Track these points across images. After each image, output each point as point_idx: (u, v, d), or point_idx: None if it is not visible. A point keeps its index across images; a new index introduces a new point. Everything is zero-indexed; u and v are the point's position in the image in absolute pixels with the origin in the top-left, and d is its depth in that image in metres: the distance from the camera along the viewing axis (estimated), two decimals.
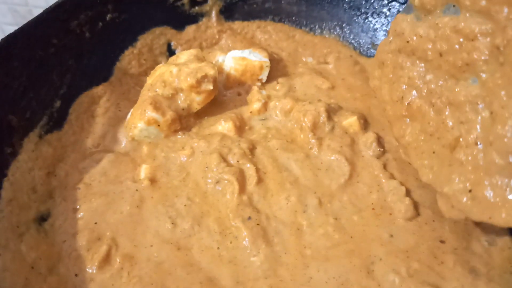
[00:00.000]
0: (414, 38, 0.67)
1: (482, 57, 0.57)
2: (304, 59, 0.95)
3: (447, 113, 0.62)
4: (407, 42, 0.68)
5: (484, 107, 0.56)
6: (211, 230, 0.65)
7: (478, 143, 0.56)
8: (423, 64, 0.67)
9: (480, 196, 0.53)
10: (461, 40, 0.60)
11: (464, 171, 0.57)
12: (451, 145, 0.61)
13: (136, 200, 0.69)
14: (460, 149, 0.59)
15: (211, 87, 0.79)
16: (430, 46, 0.64)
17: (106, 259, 0.62)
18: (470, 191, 0.55)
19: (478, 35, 0.58)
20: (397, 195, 0.68)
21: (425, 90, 0.66)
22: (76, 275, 0.61)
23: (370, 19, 0.94)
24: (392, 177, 0.71)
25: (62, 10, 0.81)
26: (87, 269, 0.61)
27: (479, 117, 0.57)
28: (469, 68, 0.59)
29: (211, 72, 0.79)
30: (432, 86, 0.65)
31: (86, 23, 0.85)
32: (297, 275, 0.60)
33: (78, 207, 0.69)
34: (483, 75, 0.57)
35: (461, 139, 0.59)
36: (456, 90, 0.61)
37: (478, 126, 0.57)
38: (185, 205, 0.68)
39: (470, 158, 0.57)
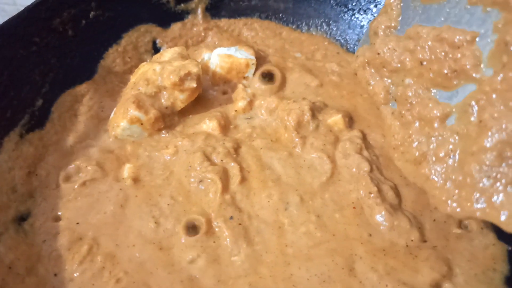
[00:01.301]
0: (385, 50, 0.68)
1: (473, 63, 0.57)
2: (292, 56, 0.94)
3: (416, 125, 0.63)
4: (378, 54, 0.69)
5: (473, 114, 0.56)
6: (194, 230, 0.64)
7: (451, 156, 0.57)
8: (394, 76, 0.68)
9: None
10: (446, 49, 0.60)
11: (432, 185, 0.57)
12: (416, 161, 0.61)
13: (120, 200, 0.68)
14: (426, 164, 0.59)
15: (195, 85, 0.78)
16: (407, 58, 0.65)
17: (87, 259, 0.61)
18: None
19: (464, 43, 0.58)
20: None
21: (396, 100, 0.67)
22: (55, 275, 0.61)
23: (357, 15, 0.94)
24: (376, 174, 0.71)
25: (44, 8, 0.80)
26: (66, 269, 0.61)
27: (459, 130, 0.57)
28: (458, 74, 0.59)
29: (194, 69, 0.78)
30: (405, 97, 0.66)
31: (69, 21, 0.84)
32: (278, 272, 0.59)
33: (59, 207, 0.68)
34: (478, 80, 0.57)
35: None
36: (430, 105, 0.61)
37: (452, 140, 0.57)
38: (168, 204, 0.68)
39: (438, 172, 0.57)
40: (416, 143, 0.64)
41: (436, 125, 0.62)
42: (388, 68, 0.70)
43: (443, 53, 0.61)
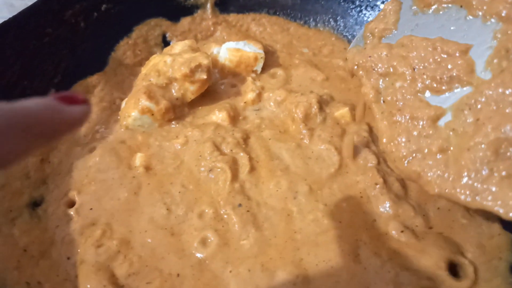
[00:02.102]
0: (375, 55, 0.70)
1: (466, 71, 0.59)
2: (299, 51, 0.96)
3: (406, 125, 0.64)
4: (369, 57, 0.71)
5: (470, 113, 0.57)
6: (204, 216, 0.66)
7: (445, 152, 0.58)
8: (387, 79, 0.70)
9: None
10: (438, 58, 0.62)
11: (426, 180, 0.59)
12: (405, 158, 0.63)
13: (133, 187, 0.69)
14: (416, 161, 0.61)
15: (205, 77, 0.79)
16: (398, 64, 0.67)
17: (101, 243, 0.62)
18: None
19: (457, 53, 0.60)
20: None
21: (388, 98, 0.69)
22: (68, 258, 0.62)
23: (364, 12, 0.95)
24: (383, 166, 0.72)
25: (56, 0, 0.82)
26: (79, 253, 0.62)
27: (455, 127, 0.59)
28: (452, 80, 0.61)
29: (204, 61, 0.79)
30: (396, 99, 0.68)
31: (80, 13, 0.86)
32: (287, 255, 0.61)
33: (72, 193, 0.69)
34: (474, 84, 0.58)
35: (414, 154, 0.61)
36: (421, 108, 0.63)
37: (445, 137, 0.59)
38: (179, 192, 0.69)
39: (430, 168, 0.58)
40: (405, 142, 0.65)
41: (427, 125, 0.63)
42: (378, 72, 0.71)
43: (435, 62, 0.63)
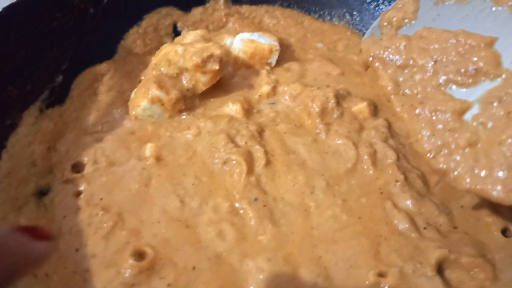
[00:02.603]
0: (393, 47, 0.68)
1: (492, 64, 0.57)
2: (314, 46, 0.94)
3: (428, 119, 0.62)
4: (386, 48, 0.69)
5: (500, 106, 0.55)
6: (219, 209, 0.63)
7: (473, 146, 0.56)
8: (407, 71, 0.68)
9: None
10: (461, 51, 0.60)
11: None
12: (429, 153, 0.61)
13: (144, 178, 0.67)
14: (441, 156, 0.59)
15: (217, 67, 0.77)
16: (418, 56, 0.65)
17: (111, 234, 0.59)
18: None
19: (482, 45, 0.58)
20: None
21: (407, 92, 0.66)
22: (76, 250, 0.59)
23: (381, 6, 0.93)
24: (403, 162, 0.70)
25: None
26: (88, 244, 0.59)
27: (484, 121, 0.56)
28: (477, 73, 0.59)
29: (217, 51, 0.77)
30: (416, 92, 0.65)
31: None
32: (306, 252, 0.58)
33: (80, 183, 0.66)
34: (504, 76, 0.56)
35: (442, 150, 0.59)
36: (444, 101, 0.61)
37: (473, 131, 0.57)
38: (193, 184, 0.66)
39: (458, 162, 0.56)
40: (429, 136, 0.63)
41: (452, 119, 0.61)
42: (396, 64, 0.69)
43: (458, 54, 0.61)
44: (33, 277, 0.55)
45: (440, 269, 0.57)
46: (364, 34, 0.94)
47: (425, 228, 0.61)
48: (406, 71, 0.69)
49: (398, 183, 0.66)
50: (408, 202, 0.64)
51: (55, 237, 0.29)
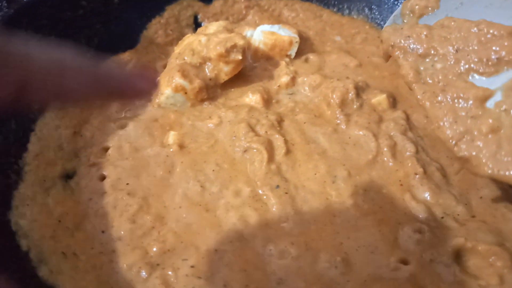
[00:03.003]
0: (414, 35, 0.68)
1: None
2: (332, 39, 0.94)
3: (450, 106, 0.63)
4: (407, 37, 0.69)
5: None
6: (240, 194, 0.64)
7: (496, 133, 0.57)
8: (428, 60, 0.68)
9: None
10: (483, 40, 0.60)
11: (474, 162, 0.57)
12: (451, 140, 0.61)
13: (168, 165, 0.68)
14: (463, 143, 0.59)
15: (240, 57, 0.78)
16: (439, 45, 0.65)
17: (137, 217, 0.61)
18: None
19: (504, 35, 0.58)
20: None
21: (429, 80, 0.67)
22: (102, 231, 0.60)
23: (400, 1, 0.93)
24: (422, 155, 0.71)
25: None
26: (114, 226, 0.61)
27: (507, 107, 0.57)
28: (500, 62, 0.59)
29: (240, 42, 0.78)
30: (437, 80, 0.66)
31: None
32: (327, 238, 0.60)
33: (105, 168, 0.68)
34: None
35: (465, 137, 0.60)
36: (466, 89, 0.61)
37: (496, 118, 0.57)
38: (213, 170, 0.67)
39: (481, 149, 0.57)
40: (451, 122, 0.63)
41: (474, 106, 0.61)
42: (417, 52, 0.70)
43: (480, 43, 0.61)
44: (63, 256, 0.56)
45: (458, 256, 0.58)
46: (382, 28, 0.95)
47: (442, 218, 0.62)
48: (428, 60, 0.69)
49: (417, 176, 0.67)
50: (426, 194, 0.65)
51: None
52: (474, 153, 0.57)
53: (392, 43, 0.73)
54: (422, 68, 0.69)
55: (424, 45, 0.68)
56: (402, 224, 0.61)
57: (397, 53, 0.73)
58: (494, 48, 0.60)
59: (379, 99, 0.78)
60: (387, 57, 0.77)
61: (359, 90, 0.79)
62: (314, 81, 0.81)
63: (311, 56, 0.89)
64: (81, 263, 0.57)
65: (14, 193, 0.60)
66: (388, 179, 0.68)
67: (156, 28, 0.91)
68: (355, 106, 0.77)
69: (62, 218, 0.61)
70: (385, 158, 0.71)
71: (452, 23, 0.65)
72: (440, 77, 0.65)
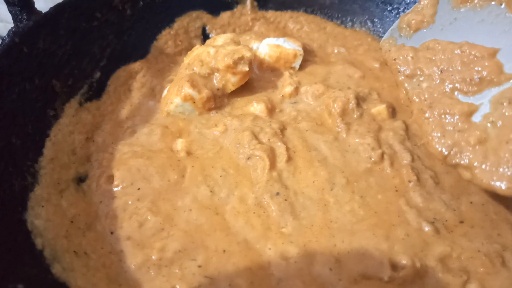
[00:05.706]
0: (401, 58, 0.72)
1: (495, 72, 0.60)
2: (336, 50, 0.98)
3: (438, 121, 0.66)
4: (394, 60, 0.72)
5: (509, 107, 0.59)
6: (246, 199, 0.68)
7: (483, 144, 0.60)
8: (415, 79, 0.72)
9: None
10: (466, 60, 0.64)
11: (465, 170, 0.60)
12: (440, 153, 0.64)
13: (181, 170, 0.72)
14: (453, 155, 0.62)
15: (247, 69, 0.81)
16: (424, 66, 0.69)
17: (146, 219, 0.64)
18: None
19: (485, 56, 0.61)
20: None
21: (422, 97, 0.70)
22: (112, 232, 0.64)
23: (401, 14, 0.97)
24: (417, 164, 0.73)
25: None
26: (123, 227, 0.64)
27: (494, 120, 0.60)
28: (482, 81, 0.63)
29: (247, 54, 0.81)
30: (424, 98, 0.69)
31: (128, 0, 0.89)
32: (323, 239, 0.63)
33: (114, 171, 0.71)
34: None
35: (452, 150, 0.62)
36: (452, 105, 0.64)
37: (482, 130, 0.60)
38: (220, 176, 0.71)
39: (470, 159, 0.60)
40: (440, 137, 0.66)
41: (461, 120, 0.64)
42: (404, 73, 0.73)
43: (463, 64, 0.65)
44: (75, 254, 0.60)
45: (444, 260, 0.61)
46: None
47: (433, 222, 0.65)
48: (414, 80, 0.73)
49: (411, 183, 0.70)
50: (419, 200, 0.68)
51: None
52: (462, 163, 0.60)
53: (387, 60, 0.77)
54: (409, 88, 0.72)
55: (411, 66, 0.72)
56: (395, 226, 0.64)
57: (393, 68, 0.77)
58: (476, 68, 0.63)
59: (379, 109, 0.81)
60: (386, 63, 0.81)
61: (360, 100, 0.82)
62: (317, 90, 0.84)
63: (316, 68, 0.92)
64: (92, 262, 0.61)
65: (30, 194, 0.64)
66: (385, 185, 0.71)
67: (166, 39, 0.95)
68: (355, 116, 0.80)
69: (74, 219, 0.64)
70: (384, 166, 0.73)
71: (437, 45, 0.69)
72: (426, 96, 0.69)
